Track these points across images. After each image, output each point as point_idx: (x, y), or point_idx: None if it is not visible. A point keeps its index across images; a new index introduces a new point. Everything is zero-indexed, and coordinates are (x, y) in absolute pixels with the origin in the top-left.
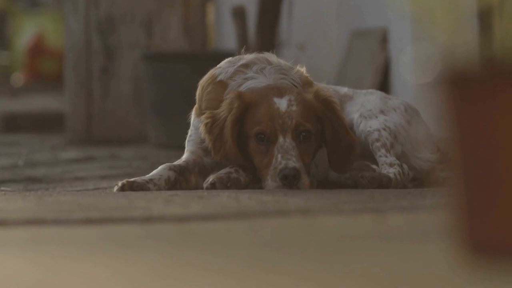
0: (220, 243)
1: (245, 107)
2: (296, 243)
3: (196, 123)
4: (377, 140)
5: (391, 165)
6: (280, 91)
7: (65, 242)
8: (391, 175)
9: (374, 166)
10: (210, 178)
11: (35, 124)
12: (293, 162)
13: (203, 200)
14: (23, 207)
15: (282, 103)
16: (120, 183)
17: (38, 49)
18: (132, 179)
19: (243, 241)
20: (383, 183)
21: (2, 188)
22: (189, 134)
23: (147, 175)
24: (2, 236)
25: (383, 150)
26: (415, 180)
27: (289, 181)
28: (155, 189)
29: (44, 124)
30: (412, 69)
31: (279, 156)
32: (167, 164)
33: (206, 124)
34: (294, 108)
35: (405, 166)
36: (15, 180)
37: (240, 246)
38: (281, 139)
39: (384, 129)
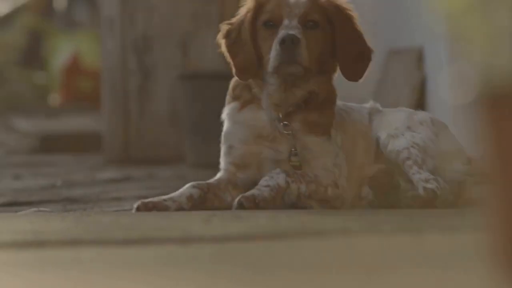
0: (260, 263)
1: (259, 6)
2: (335, 263)
3: (228, 110)
4: (408, 158)
5: (426, 181)
6: None
7: (105, 262)
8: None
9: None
10: (237, 199)
11: (72, 144)
12: (294, 32)
13: (242, 220)
14: (62, 228)
15: None
16: (135, 205)
17: (74, 69)
18: (147, 200)
19: (283, 261)
20: (428, 200)
21: (41, 209)
22: (222, 134)
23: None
24: (43, 257)
25: (415, 167)
26: (451, 194)
27: (287, 45)
28: (175, 206)
29: (81, 144)
30: (449, 89)
31: (282, 31)
32: (192, 182)
33: (222, 31)
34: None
35: (440, 179)
36: (53, 201)
37: (280, 266)
38: (286, 21)
39: (412, 146)
